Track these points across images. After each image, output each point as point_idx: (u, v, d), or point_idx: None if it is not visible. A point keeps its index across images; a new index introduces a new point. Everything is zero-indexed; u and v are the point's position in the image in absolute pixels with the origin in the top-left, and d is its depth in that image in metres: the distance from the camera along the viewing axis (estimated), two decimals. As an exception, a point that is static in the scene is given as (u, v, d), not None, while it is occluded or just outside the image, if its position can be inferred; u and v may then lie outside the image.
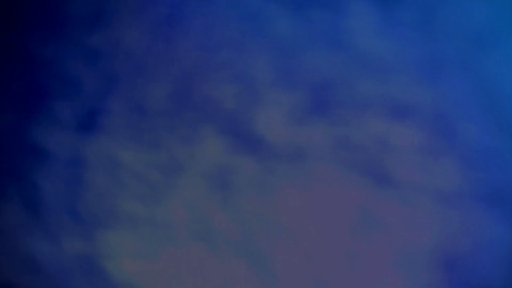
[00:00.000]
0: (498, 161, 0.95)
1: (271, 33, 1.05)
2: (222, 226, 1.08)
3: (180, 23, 1.06)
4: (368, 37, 1.01)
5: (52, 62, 1.09)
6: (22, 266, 1.11)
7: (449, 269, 0.97)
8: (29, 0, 1.09)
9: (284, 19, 1.03)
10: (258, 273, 1.07)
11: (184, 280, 1.09)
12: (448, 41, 0.97)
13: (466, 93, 0.96)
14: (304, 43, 1.05)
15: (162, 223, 1.08)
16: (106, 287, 1.09)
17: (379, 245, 1.02)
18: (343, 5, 1.01)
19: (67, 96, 1.08)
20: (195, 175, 1.09)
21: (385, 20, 1.00)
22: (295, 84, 1.05)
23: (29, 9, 1.09)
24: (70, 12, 1.08)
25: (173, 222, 1.08)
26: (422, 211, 0.99)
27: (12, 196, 1.11)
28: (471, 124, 0.96)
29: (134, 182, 1.08)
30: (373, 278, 1.02)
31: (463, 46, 0.96)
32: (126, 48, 1.07)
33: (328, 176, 1.04)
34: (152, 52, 1.06)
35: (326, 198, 1.05)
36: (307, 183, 1.05)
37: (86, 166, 1.09)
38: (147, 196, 1.08)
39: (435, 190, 0.98)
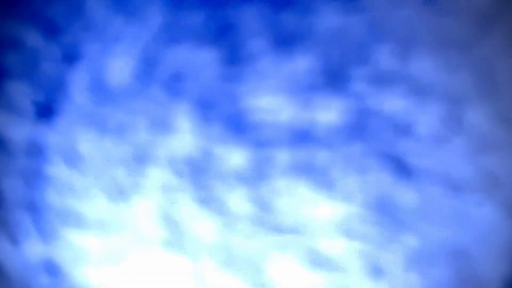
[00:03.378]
0: (499, 148, 0.89)
1: (263, -17, 0.83)
2: (201, 229, 0.90)
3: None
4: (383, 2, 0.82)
5: (7, 38, 0.95)
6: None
7: (458, 260, 0.91)
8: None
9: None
10: (247, 286, 0.89)
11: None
12: (455, 20, 0.87)
13: (471, 75, 0.87)
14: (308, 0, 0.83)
15: (129, 224, 0.94)
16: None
17: (396, 241, 0.90)
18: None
19: (24, 76, 0.95)
20: (166, 167, 0.90)
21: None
22: (296, 51, 0.84)
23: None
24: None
25: (141, 224, 0.90)
26: (435, 202, 0.90)
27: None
28: (476, 109, 0.88)
29: (98, 177, 0.93)
30: (388, 273, 0.90)
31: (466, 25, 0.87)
32: (87, 17, 0.91)
33: (337, 165, 0.86)
34: (114, 18, 0.89)
35: (335, 193, 0.86)
36: (311, 174, 0.86)
37: (46, 157, 0.95)
38: (112, 192, 0.93)
39: (447, 179, 0.90)
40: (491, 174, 0.89)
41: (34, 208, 0.96)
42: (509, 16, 0.87)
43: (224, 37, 0.85)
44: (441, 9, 0.86)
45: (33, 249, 0.96)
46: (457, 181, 0.89)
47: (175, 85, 0.87)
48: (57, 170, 0.94)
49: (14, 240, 0.97)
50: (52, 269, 0.97)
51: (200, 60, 0.86)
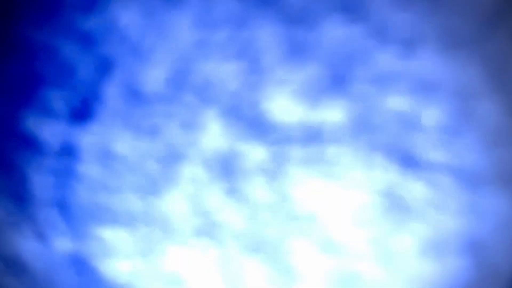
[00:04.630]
0: (510, 140, 0.93)
1: (277, 4, 0.96)
2: (228, 219, 1.00)
3: (176, 1, 0.99)
4: (386, 7, 0.93)
5: (44, 48, 1.03)
6: (6, 267, 1.05)
7: (471, 250, 0.95)
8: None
9: (291, -13, 0.96)
10: (272, 270, 0.98)
11: (186, 281, 1.01)
12: (461, 17, 0.94)
13: (480, 69, 0.93)
14: (315, 14, 0.96)
15: (161, 218, 1.00)
16: (98, 290, 1.03)
17: (406, 230, 0.96)
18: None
19: (59, 83, 1.03)
20: (196, 164, 1.00)
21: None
22: (306, 59, 0.96)
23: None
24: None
25: (173, 217, 0.99)
26: (447, 193, 0.95)
27: (-3, 190, 1.06)
28: (487, 102, 0.93)
29: (130, 174, 1.01)
30: (401, 264, 0.97)
31: (474, 22, 0.93)
32: (121, 31, 1.01)
33: (346, 159, 0.96)
34: (148, 33, 1.00)
35: (345, 184, 0.97)
36: (323, 168, 0.97)
37: (79, 157, 1.02)
38: (145, 189, 1.01)
39: (459, 171, 0.95)
40: (504, 166, 0.94)
41: (65, 206, 1.02)
42: None
43: (245, 51, 0.99)
44: (447, 8, 0.93)
45: (61, 245, 1.03)
46: (469, 173, 0.94)
47: (204, 92, 0.99)
48: (89, 168, 1.02)
49: (42, 236, 1.03)
50: (80, 264, 1.02)
51: (225, 71, 0.99)
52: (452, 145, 0.95)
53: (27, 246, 1.04)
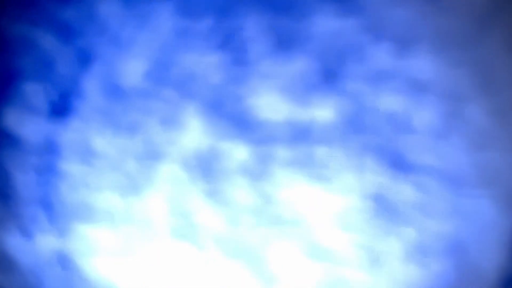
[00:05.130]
0: (497, 144, 0.91)
1: (264, -8, 0.90)
2: (209, 221, 0.95)
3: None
4: (381, 2, 0.88)
5: (22, 41, 1.00)
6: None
7: (456, 253, 0.93)
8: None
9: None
10: (254, 276, 0.94)
11: (165, 280, 0.97)
12: (454, 18, 0.90)
13: (469, 72, 0.90)
14: (305, 4, 0.89)
15: (140, 217, 0.97)
16: (82, 286, 1.00)
17: (394, 234, 0.93)
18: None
19: (38, 77, 1.00)
20: (176, 162, 0.96)
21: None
22: (294, 52, 0.90)
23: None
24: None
25: (152, 216, 0.95)
26: (433, 197, 0.93)
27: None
28: (474, 105, 0.91)
29: (110, 172, 0.98)
30: (387, 268, 0.94)
31: (465, 24, 0.90)
32: (101, 22, 0.97)
33: (335, 161, 0.91)
34: (128, 24, 0.96)
35: (334, 187, 0.91)
36: (311, 170, 0.91)
37: (60, 154, 1.00)
38: (124, 187, 0.98)
39: (445, 174, 0.93)
40: (489, 169, 0.91)
41: (47, 203, 1.00)
42: (508, 13, 0.90)
43: (229, 42, 0.92)
44: (440, 7, 0.90)
45: (45, 242, 1.00)
46: (455, 176, 0.92)
47: (185, 86, 0.94)
48: (70, 166, 0.99)
49: (27, 233, 1.01)
50: (64, 262, 1.00)
51: (207, 63, 0.93)
52: (439, 148, 0.92)
53: (12, 243, 1.02)
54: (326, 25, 0.90)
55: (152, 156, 0.95)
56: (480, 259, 0.92)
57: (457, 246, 0.92)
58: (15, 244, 1.01)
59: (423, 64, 0.90)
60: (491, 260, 0.92)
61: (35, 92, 1.00)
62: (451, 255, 0.93)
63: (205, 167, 0.94)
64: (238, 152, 0.94)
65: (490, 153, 0.91)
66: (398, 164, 0.91)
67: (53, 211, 1.00)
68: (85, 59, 0.98)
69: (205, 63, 0.93)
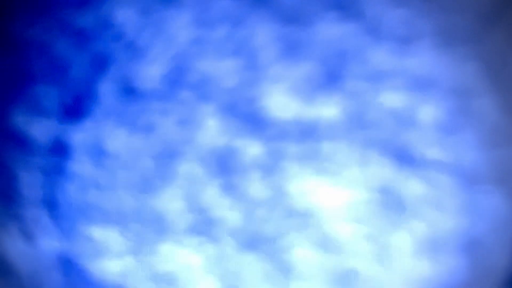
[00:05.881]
0: (508, 139, 0.93)
1: (273, 2, 0.97)
2: (225, 215, 1.00)
3: (173, -5, 1.00)
4: (380, 5, 0.94)
5: (37, 44, 1.03)
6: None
7: (468, 248, 0.95)
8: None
9: (286, -14, 0.98)
10: (269, 267, 0.98)
11: (180, 280, 1.00)
12: (457, 15, 0.94)
13: (476, 67, 0.93)
14: (310, 13, 0.97)
15: (154, 216, 1.00)
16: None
17: (403, 228, 0.96)
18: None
19: (52, 80, 1.02)
20: (192, 161, 1.00)
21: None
22: (301, 57, 0.97)
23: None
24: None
25: (167, 215, 0.99)
26: (443, 191, 0.95)
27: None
28: (484, 100, 0.93)
29: (123, 172, 1.00)
30: (397, 261, 0.96)
31: (471, 20, 0.93)
32: (117, 28, 1.00)
33: (342, 155, 0.97)
34: (144, 31, 1.00)
35: (341, 180, 0.97)
36: (319, 165, 0.97)
37: (70, 155, 1.01)
38: (138, 187, 1.00)
39: (456, 169, 0.95)
40: (501, 164, 0.93)
41: (54, 205, 1.01)
42: None
43: (242, 48, 0.99)
44: (443, 5, 0.93)
45: (49, 245, 1.01)
46: (466, 171, 0.94)
47: (201, 89, 1.00)
48: (80, 166, 1.00)
49: (30, 236, 1.01)
50: (68, 265, 1.01)
51: (222, 68, 1.00)
52: (448, 143, 0.95)
53: (14, 247, 1.02)
54: (329, 31, 0.97)
55: (168, 155, 1.00)
56: (492, 255, 0.94)
57: (469, 242, 0.94)
58: (18, 247, 1.02)
59: (425, 61, 0.94)
60: (504, 256, 0.94)
61: (47, 95, 1.01)
62: (463, 251, 0.95)
63: (221, 164, 0.99)
64: (251, 149, 0.99)
65: (502, 149, 0.94)
66: (404, 158, 0.95)
67: (59, 213, 1.01)
68: (100, 63, 1.00)
69: (220, 68, 1.00)
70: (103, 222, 1.00)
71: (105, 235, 1.00)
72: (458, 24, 0.94)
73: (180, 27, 0.99)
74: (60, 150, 1.01)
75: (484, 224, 0.94)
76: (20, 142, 1.02)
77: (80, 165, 1.01)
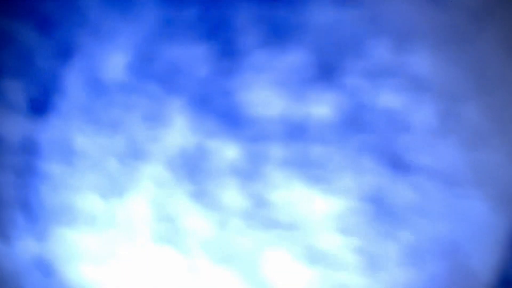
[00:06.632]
0: (492, 144, 0.89)
1: (256, -22, 0.84)
2: (195, 225, 0.90)
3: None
4: None
5: (0, 34, 0.95)
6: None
7: (451, 255, 0.91)
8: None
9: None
10: (245, 283, 0.89)
11: (149, 286, 0.91)
12: (452, 14, 0.88)
13: (465, 70, 0.88)
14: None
15: (122, 221, 0.93)
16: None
17: (392, 237, 0.90)
18: None
19: (17, 72, 0.95)
20: (160, 162, 0.91)
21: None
22: (289, 44, 0.85)
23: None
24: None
25: (135, 220, 0.90)
26: (430, 198, 0.90)
27: None
28: (470, 104, 0.89)
29: (91, 172, 0.93)
30: (385, 272, 0.90)
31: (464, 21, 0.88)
32: (82, 13, 0.92)
33: (332, 161, 0.86)
34: (110, 14, 0.90)
35: (330, 188, 0.87)
36: (306, 170, 0.87)
37: (40, 154, 0.95)
38: (106, 188, 0.93)
39: (441, 174, 0.90)
40: (484, 169, 0.89)
41: (27, 205, 0.96)
42: (505, 12, 0.88)
43: (218, 32, 0.87)
44: (438, 3, 0.86)
45: (25, 246, 0.96)
46: (451, 176, 0.89)
47: (169, 80, 0.88)
48: (50, 166, 0.94)
49: (5, 237, 0.97)
50: (44, 267, 0.96)
51: (194, 55, 0.87)
52: (436, 148, 0.89)
53: None
54: (322, 16, 0.85)
55: (134, 155, 0.90)
56: (475, 260, 0.90)
57: (453, 248, 0.90)
58: None
59: (421, 61, 0.87)
60: (487, 261, 0.90)
61: (13, 88, 0.95)
62: (447, 257, 0.90)
63: (192, 167, 0.89)
64: (227, 151, 0.88)
65: (486, 153, 0.89)
66: (396, 164, 0.88)
67: (33, 214, 0.96)
68: (65, 52, 0.93)
69: (191, 55, 0.87)
70: (75, 225, 0.95)
71: (78, 238, 0.95)
72: (450, 25, 0.88)
73: (147, 8, 0.86)
74: (30, 148, 0.96)
75: (468, 229, 0.90)
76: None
77: (50, 165, 0.95)
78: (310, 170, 0.88)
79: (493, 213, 0.89)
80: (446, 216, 0.89)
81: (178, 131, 0.89)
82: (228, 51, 0.87)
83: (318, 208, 0.89)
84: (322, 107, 0.87)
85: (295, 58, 0.86)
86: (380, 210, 0.89)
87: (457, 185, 0.89)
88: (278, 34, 0.86)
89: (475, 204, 0.89)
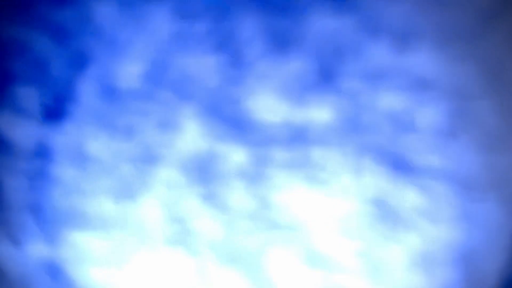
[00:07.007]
0: (505, 145, 0.89)
1: (260, -8, 0.90)
2: (205, 227, 0.93)
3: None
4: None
5: (15, 43, 0.99)
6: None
7: (463, 260, 0.90)
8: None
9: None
10: (251, 283, 0.91)
11: None
12: (457, 13, 0.89)
13: (475, 68, 0.89)
14: (301, 4, 0.88)
15: (134, 224, 0.94)
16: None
17: (396, 241, 0.90)
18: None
19: (32, 80, 0.98)
20: (172, 167, 0.94)
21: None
22: (291, 52, 0.89)
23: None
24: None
25: (147, 223, 0.93)
26: (438, 201, 0.90)
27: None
28: (482, 103, 0.89)
29: (105, 177, 0.96)
30: (389, 277, 0.90)
31: (470, 18, 0.89)
32: (96, 24, 0.96)
33: (334, 163, 0.89)
34: (124, 26, 0.95)
35: (332, 190, 0.89)
36: (308, 173, 0.89)
37: (53, 159, 0.97)
38: (118, 192, 0.95)
39: (452, 177, 0.90)
40: (498, 171, 0.89)
41: (38, 209, 0.98)
42: None
43: (226, 44, 0.92)
44: (443, 2, 0.89)
45: (36, 250, 0.98)
46: (463, 179, 0.89)
47: (182, 88, 0.93)
48: (63, 171, 0.97)
49: (16, 241, 0.99)
50: (54, 270, 0.98)
51: (205, 65, 0.92)
52: (445, 149, 0.89)
53: (2, 251, 0.99)
54: (322, 24, 0.89)
55: (147, 160, 0.94)
56: (488, 267, 0.89)
57: (465, 254, 0.90)
58: (4, 252, 0.99)
59: (424, 61, 0.88)
60: (500, 267, 0.89)
61: (27, 96, 0.99)
62: (458, 264, 0.90)
63: (202, 171, 0.92)
64: (235, 155, 0.92)
65: (499, 154, 0.89)
66: (400, 166, 0.89)
67: (44, 218, 0.98)
68: (80, 61, 0.97)
69: (202, 65, 0.92)
70: (86, 228, 0.97)
71: (88, 242, 0.97)
72: (456, 22, 0.89)
73: (160, 21, 0.92)
74: (43, 153, 0.99)
75: (478, 234, 0.90)
76: (3, 145, 1.00)
77: (63, 169, 0.98)
78: (313, 173, 0.90)
79: (509, 217, 0.89)
80: (458, 221, 0.90)
81: (190, 136, 0.93)
82: (235, 61, 0.91)
83: (320, 210, 0.91)
84: (323, 111, 0.90)
85: (296, 65, 0.90)
86: (384, 213, 0.89)
87: (469, 188, 0.89)
88: (281, 43, 0.90)
89: (489, 207, 0.89)
